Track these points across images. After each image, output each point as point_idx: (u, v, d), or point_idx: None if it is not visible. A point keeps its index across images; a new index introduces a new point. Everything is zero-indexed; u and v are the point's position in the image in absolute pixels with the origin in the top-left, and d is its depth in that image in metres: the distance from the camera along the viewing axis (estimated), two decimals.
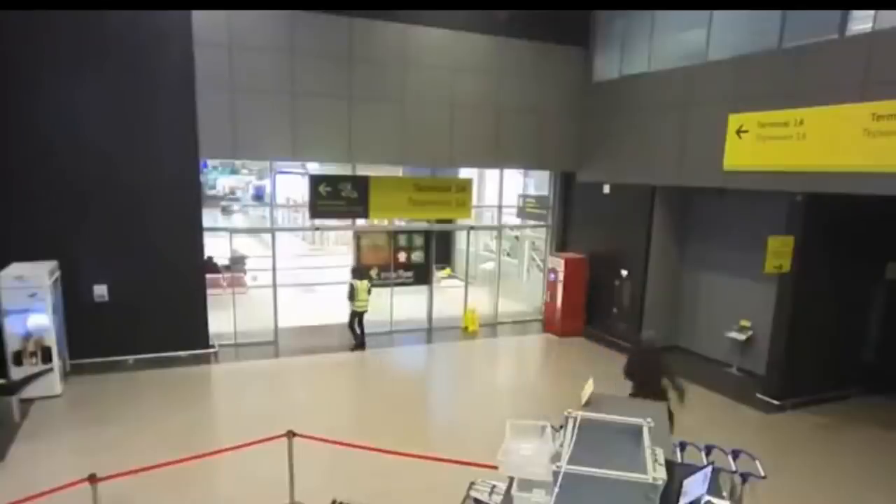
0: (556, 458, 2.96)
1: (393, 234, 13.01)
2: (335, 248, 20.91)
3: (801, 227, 9.22)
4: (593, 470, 2.78)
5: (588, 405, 3.69)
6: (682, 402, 7.20)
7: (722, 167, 9.74)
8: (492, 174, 15.11)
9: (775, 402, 9.52)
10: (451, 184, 12.97)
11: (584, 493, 2.75)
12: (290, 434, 6.11)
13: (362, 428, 8.08)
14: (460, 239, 17.96)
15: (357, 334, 12.03)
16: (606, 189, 13.05)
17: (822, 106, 8.30)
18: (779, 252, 9.11)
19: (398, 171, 13.48)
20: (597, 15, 13.08)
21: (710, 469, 3.13)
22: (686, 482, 2.96)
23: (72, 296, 9.90)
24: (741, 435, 7.81)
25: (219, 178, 24.19)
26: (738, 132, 9.45)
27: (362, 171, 12.26)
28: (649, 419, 3.26)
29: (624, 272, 12.66)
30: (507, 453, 3.36)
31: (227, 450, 6.20)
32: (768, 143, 9.01)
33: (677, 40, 11.47)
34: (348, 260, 13.25)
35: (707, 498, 2.98)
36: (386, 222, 13.64)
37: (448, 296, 14.85)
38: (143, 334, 10.48)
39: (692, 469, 3.18)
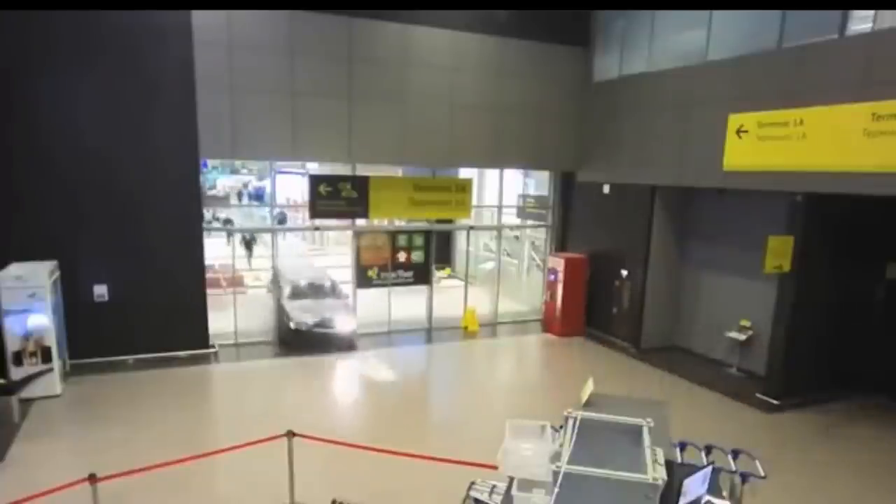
0: (556, 458, 2.96)
1: (393, 234, 13.01)
2: (335, 248, 20.84)
3: (801, 227, 9.21)
4: (593, 470, 2.78)
5: (588, 405, 3.69)
6: None
7: (722, 167, 9.73)
8: (492, 174, 15.11)
9: (775, 402, 9.53)
10: (451, 184, 12.98)
11: (583, 493, 2.75)
12: (290, 434, 6.10)
13: (362, 428, 8.08)
14: (460, 239, 17.95)
15: None
16: (606, 189, 13.05)
17: (822, 106, 8.30)
18: (779, 252, 9.11)
19: (398, 171, 13.47)
20: (597, 15, 13.08)
21: (710, 469, 3.14)
22: (686, 482, 2.96)
23: (72, 296, 9.89)
24: (741, 435, 7.80)
25: (219, 178, 24.06)
26: (738, 132, 9.44)
27: (362, 171, 12.26)
28: (649, 419, 3.26)
29: (624, 272, 12.66)
30: (507, 453, 3.37)
31: (226, 450, 6.20)
32: (768, 143, 9.01)
33: (677, 40, 11.46)
34: (348, 260, 13.22)
35: (707, 498, 2.99)
36: (386, 222, 13.64)
37: (448, 296, 14.83)
38: (142, 334, 10.48)
39: (692, 469, 3.19)
